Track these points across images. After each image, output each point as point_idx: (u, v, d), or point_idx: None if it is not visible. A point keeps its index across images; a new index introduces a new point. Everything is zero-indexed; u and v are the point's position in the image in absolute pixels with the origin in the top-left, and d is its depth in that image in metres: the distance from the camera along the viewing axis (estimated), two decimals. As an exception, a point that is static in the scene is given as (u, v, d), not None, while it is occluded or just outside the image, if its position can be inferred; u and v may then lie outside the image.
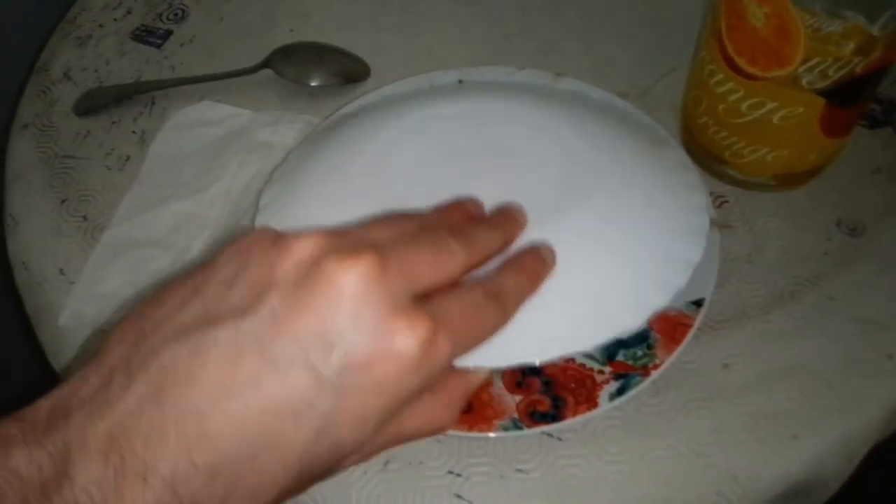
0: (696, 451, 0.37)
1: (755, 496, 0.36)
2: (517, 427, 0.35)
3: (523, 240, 0.33)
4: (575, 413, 0.35)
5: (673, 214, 0.38)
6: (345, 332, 0.23)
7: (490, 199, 0.35)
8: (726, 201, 0.46)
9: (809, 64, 0.38)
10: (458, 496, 0.36)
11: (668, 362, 0.37)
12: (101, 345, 0.25)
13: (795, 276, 0.43)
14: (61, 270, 0.44)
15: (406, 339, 0.24)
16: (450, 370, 0.26)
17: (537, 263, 0.31)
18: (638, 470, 0.36)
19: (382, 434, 0.25)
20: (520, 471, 0.36)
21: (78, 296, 0.43)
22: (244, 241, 0.26)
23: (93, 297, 0.43)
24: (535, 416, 0.35)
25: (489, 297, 0.28)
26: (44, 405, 0.23)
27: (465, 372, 0.29)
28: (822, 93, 0.39)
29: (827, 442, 0.37)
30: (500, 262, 0.30)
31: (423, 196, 0.35)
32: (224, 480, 0.22)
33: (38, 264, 0.45)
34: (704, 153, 0.46)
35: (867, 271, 0.43)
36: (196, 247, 0.44)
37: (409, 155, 0.40)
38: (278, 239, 0.25)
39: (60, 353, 0.42)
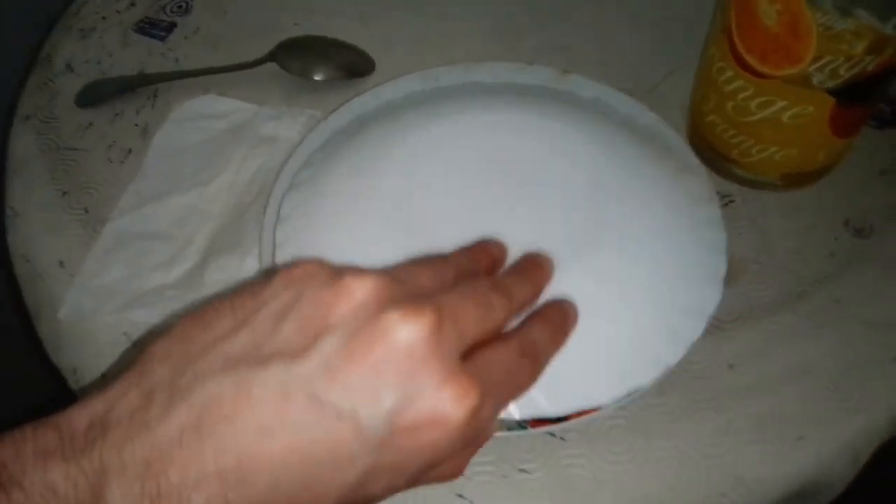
0: (701, 452, 0.36)
1: (760, 497, 0.36)
2: (521, 427, 0.34)
3: None
4: (580, 414, 0.35)
5: (691, 257, 0.38)
6: (396, 391, 0.23)
7: (512, 230, 0.35)
8: (732, 201, 0.45)
9: (821, 62, 0.37)
10: (460, 496, 0.35)
11: (675, 362, 0.36)
12: (142, 357, 0.24)
13: (802, 277, 0.42)
14: (62, 263, 0.44)
15: (456, 408, 0.24)
16: None
17: (564, 319, 0.32)
18: (642, 471, 0.36)
19: (408, 484, 0.26)
20: (523, 471, 0.36)
21: (79, 288, 0.42)
22: (298, 271, 0.25)
23: (93, 290, 0.42)
24: (539, 417, 0.35)
25: (524, 354, 0.28)
26: (81, 417, 0.22)
27: None
28: (833, 92, 0.39)
29: (832, 443, 0.37)
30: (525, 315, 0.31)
31: (447, 218, 0.37)
32: None
33: (38, 257, 0.44)
34: (712, 152, 0.46)
35: (874, 273, 0.42)
36: (198, 241, 0.44)
37: (433, 170, 0.40)
38: (335, 276, 0.25)
39: (60, 345, 0.42)
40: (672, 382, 0.37)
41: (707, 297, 0.37)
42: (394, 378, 0.23)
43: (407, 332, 0.23)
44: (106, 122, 0.50)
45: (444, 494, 0.35)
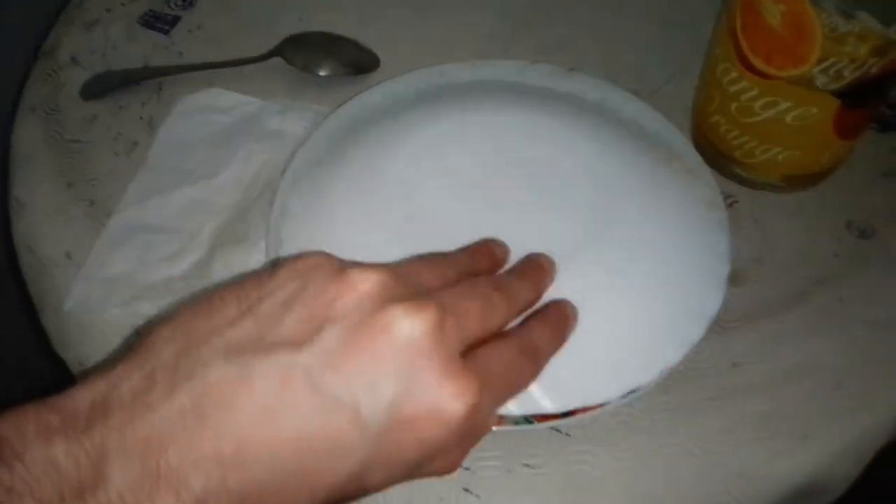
0: (706, 450, 0.36)
1: (764, 496, 0.36)
2: (528, 422, 0.35)
3: None
4: (586, 409, 0.35)
5: (694, 260, 0.39)
6: (397, 385, 0.23)
7: (516, 230, 0.36)
8: (736, 201, 0.45)
9: (825, 64, 0.38)
10: (467, 490, 0.35)
11: (680, 360, 0.37)
12: (145, 340, 0.24)
13: (805, 277, 0.42)
14: (67, 255, 0.44)
15: (455, 403, 0.24)
16: None
17: (564, 320, 0.32)
18: (646, 467, 0.36)
19: (404, 477, 0.26)
20: (528, 466, 0.36)
21: (84, 280, 0.42)
22: (305, 263, 0.26)
23: (99, 282, 0.42)
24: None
25: (524, 353, 0.29)
26: (83, 396, 0.23)
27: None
28: (837, 93, 0.39)
29: (836, 443, 0.37)
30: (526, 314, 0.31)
31: (451, 217, 0.37)
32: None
33: (43, 248, 0.44)
34: (715, 152, 0.46)
35: (877, 273, 0.43)
36: (204, 234, 0.44)
37: (438, 168, 0.40)
38: (340, 269, 0.25)
39: (65, 337, 0.42)
40: (677, 380, 0.38)
41: (710, 299, 0.37)
42: (395, 371, 0.23)
43: (409, 326, 0.24)
44: (111, 114, 0.50)
45: (450, 488, 0.35)
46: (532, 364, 0.29)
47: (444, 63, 0.49)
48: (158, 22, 0.56)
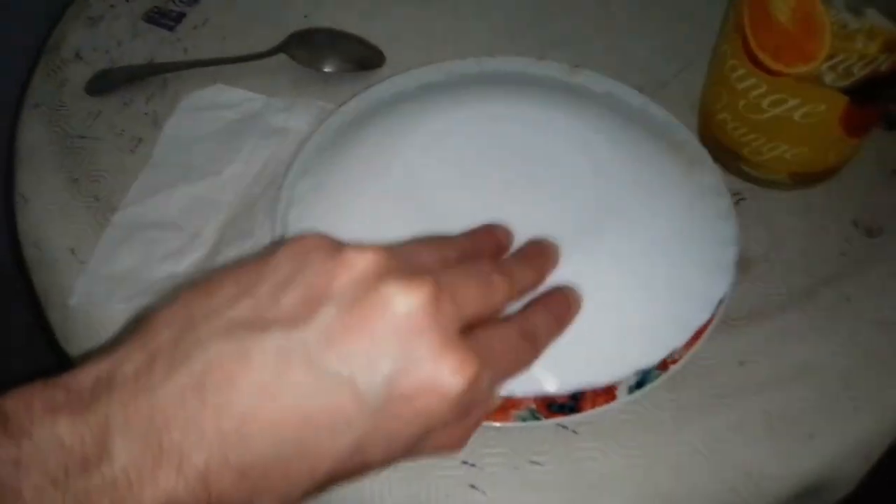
0: (712, 448, 0.36)
1: (770, 494, 0.36)
2: (535, 417, 0.34)
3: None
4: (594, 405, 0.35)
5: (700, 245, 0.39)
6: (394, 360, 0.24)
7: (520, 216, 0.35)
8: (743, 199, 0.45)
9: (834, 61, 0.38)
10: (473, 486, 0.35)
11: (687, 357, 0.36)
12: (146, 322, 0.25)
13: (812, 275, 0.42)
14: (72, 250, 0.43)
15: (453, 377, 0.24)
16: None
17: (566, 305, 0.32)
18: (653, 465, 0.36)
19: (405, 452, 0.26)
20: (535, 462, 0.36)
21: (89, 276, 0.42)
22: (303, 243, 0.26)
23: (104, 278, 0.42)
24: (553, 408, 0.35)
25: (523, 337, 0.29)
26: (87, 375, 0.23)
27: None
28: (845, 90, 0.39)
29: (843, 442, 0.37)
30: (528, 299, 0.31)
31: (457, 205, 0.37)
32: (252, 481, 0.23)
33: (48, 244, 0.44)
34: (722, 150, 0.46)
35: (884, 272, 0.42)
36: (208, 231, 0.44)
37: (444, 157, 0.40)
38: (338, 249, 0.25)
39: (70, 332, 0.41)
40: (683, 378, 0.38)
41: (715, 284, 0.37)
42: (391, 346, 0.24)
43: (405, 302, 0.24)
44: (115, 110, 0.50)
45: (456, 484, 0.35)
46: (531, 347, 0.29)
47: (450, 59, 0.49)
48: (163, 18, 0.56)
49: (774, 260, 0.43)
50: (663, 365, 0.36)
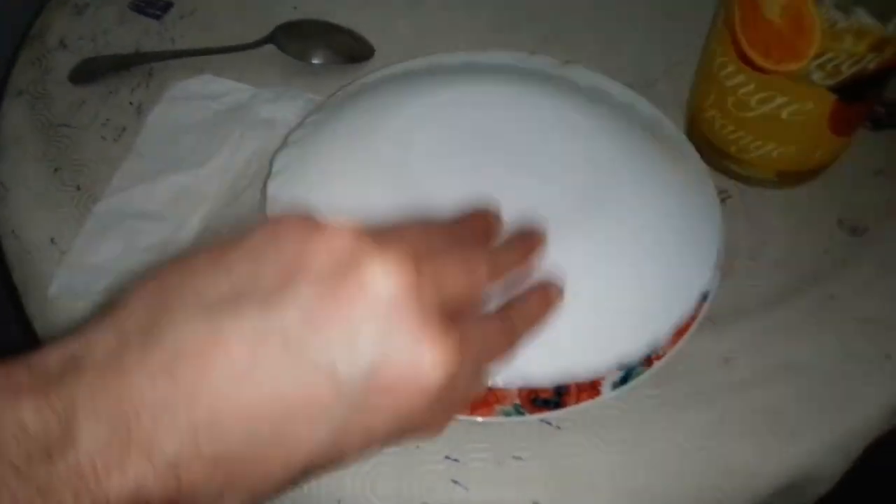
0: (695, 444, 0.36)
1: (752, 490, 0.36)
2: (519, 413, 0.34)
3: None
4: (577, 400, 0.35)
5: (685, 241, 0.39)
6: (374, 345, 0.23)
7: (507, 199, 0.34)
8: (729, 196, 0.45)
9: (822, 59, 0.38)
10: (455, 481, 0.35)
11: (671, 354, 0.36)
12: (119, 300, 0.24)
13: (797, 273, 0.42)
14: (52, 240, 0.43)
15: (434, 371, 0.23)
16: None
17: (547, 301, 0.32)
18: (636, 461, 0.36)
19: (383, 442, 0.25)
20: (517, 458, 0.36)
21: (69, 266, 0.42)
22: (283, 222, 0.25)
23: (84, 268, 0.42)
24: (537, 402, 0.35)
25: (503, 332, 0.28)
26: (54, 356, 0.22)
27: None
28: (833, 89, 0.39)
29: (824, 439, 0.37)
30: (509, 289, 0.31)
31: (443, 183, 0.36)
32: (225, 471, 0.22)
33: (28, 233, 0.44)
34: (709, 147, 0.46)
35: (868, 271, 0.43)
36: (192, 221, 0.43)
37: (431, 135, 0.40)
38: (316, 224, 0.24)
39: (49, 323, 0.41)
40: (667, 375, 0.37)
41: (699, 275, 0.37)
42: (372, 332, 0.23)
43: (384, 284, 0.23)
44: (99, 99, 0.50)
45: (439, 479, 0.35)
46: (509, 343, 0.29)
47: (439, 53, 0.48)
48: (150, 7, 0.56)
49: (759, 258, 0.43)
50: (647, 361, 0.36)
